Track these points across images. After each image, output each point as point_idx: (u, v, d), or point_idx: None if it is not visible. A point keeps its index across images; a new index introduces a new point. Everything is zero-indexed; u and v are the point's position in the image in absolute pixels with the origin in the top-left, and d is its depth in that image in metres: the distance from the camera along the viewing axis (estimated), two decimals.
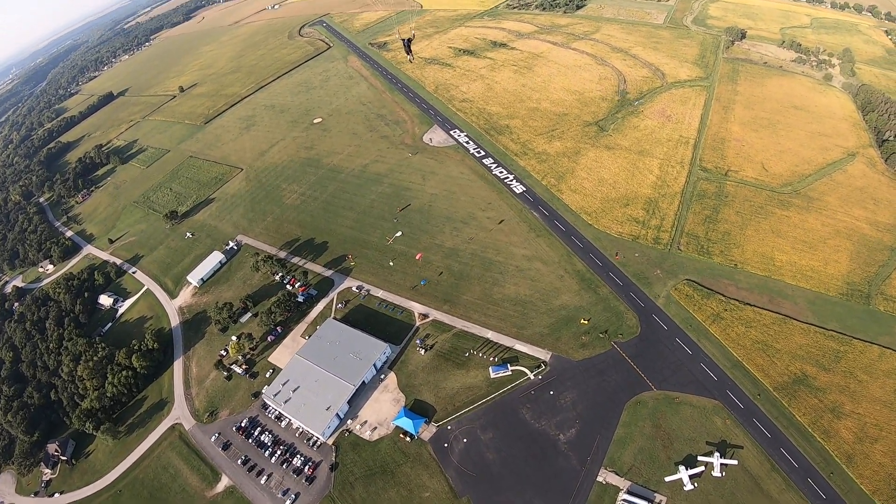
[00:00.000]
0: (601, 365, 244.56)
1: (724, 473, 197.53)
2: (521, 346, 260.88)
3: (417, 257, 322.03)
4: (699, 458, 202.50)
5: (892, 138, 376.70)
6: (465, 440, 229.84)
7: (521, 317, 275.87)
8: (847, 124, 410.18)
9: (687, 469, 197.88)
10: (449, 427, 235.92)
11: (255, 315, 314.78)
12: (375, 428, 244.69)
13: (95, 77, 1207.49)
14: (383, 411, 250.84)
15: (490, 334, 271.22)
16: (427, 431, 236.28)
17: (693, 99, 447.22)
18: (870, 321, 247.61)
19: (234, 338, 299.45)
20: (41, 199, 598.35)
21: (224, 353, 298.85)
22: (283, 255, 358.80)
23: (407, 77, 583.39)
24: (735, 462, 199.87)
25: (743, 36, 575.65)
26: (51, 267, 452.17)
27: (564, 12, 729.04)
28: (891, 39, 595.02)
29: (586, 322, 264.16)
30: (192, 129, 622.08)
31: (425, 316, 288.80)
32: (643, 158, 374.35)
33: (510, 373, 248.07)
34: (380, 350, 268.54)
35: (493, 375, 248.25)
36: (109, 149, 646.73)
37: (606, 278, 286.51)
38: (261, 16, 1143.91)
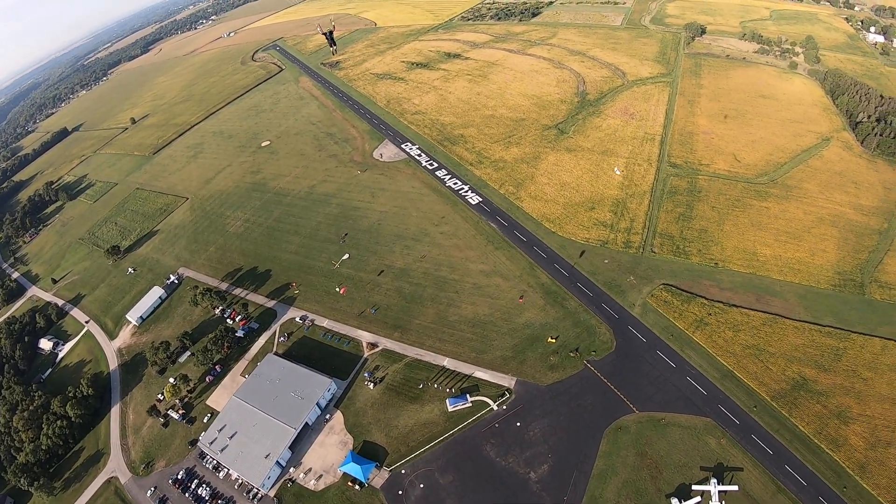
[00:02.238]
0: (573, 388, 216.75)
1: (723, 502, 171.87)
2: (481, 374, 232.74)
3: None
4: (694, 487, 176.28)
5: (865, 119, 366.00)
6: (421, 485, 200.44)
7: (481, 340, 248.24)
8: (818, 109, 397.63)
9: (681, 502, 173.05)
10: (403, 471, 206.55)
11: (193, 354, 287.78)
12: (321, 476, 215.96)
13: (53, 114, 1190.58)
14: (329, 456, 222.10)
15: (446, 362, 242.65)
16: (379, 477, 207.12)
17: (656, 95, 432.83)
18: (867, 311, 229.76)
19: (171, 380, 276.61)
20: None
21: (161, 398, 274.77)
22: (224, 286, 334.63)
23: (358, 94, 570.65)
24: (735, 488, 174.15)
25: (703, 31, 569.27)
26: None
27: (520, 21, 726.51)
28: (851, 26, 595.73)
29: (554, 340, 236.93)
30: (141, 160, 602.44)
31: (374, 345, 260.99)
32: (607, 158, 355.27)
33: (470, 404, 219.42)
34: (324, 387, 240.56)
35: (451, 409, 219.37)
36: (59, 185, 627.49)
37: (574, 290, 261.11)
38: (216, 44, 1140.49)
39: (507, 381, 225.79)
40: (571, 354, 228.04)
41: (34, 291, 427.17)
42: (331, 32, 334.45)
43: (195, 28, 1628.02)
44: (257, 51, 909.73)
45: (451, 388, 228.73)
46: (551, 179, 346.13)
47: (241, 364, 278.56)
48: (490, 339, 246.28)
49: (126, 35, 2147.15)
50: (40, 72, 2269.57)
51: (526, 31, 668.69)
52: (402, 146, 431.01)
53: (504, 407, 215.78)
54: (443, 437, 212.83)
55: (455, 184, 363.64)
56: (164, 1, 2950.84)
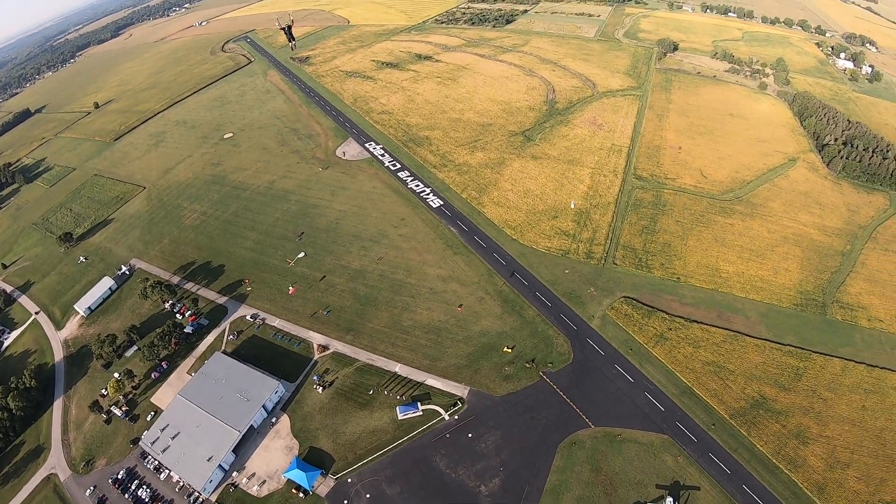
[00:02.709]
0: (528, 400, 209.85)
1: None
2: (433, 381, 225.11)
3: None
4: None
5: (831, 142, 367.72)
6: (367, 496, 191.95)
7: (435, 346, 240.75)
8: (785, 130, 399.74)
9: None
10: (349, 480, 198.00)
11: (140, 349, 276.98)
12: (264, 482, 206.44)
13: (17, 94, 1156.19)
14: (274, 461, 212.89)
15: (398, 368, 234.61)
16: (324, 485, 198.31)
17: (625, 108, 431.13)
18: (828, 332, 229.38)
19: (115, 374, 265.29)
20: None
21: (104, 393, 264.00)
22: (176, 280, 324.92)
23: (325, 90, 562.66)
24: None
25: (675, 48, 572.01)
26: None
27: (494, 27, 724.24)
28: (822, 51, 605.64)
29: (510, 350, 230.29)
30: (101, 146, 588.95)
31: (325, 348, 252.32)
32: (573, 168, 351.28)
33: (421, 413, 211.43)
34: (271, 389, 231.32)
35: (401, 416, 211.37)
36: (17, 167, 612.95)
37: (533, 299, 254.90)
38: (187, 32, 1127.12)
39: (461, 390, 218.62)
40: (527, 365, 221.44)
41: None
42: (289, 27, 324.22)
43: (168, 15, 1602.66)
44: (228, 41, 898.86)
45: (401, 396, 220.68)
46: (515, 186, 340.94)
47: (189, 361, 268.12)
48: (444, 347, 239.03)
49: (98, 18, 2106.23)
50: (8, 51, 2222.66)
51: (499, 37, 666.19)
52: (366, 145, 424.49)
53: (456, 417, 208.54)
54: (392, 445, 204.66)
55: (417, 186, 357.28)
56: None
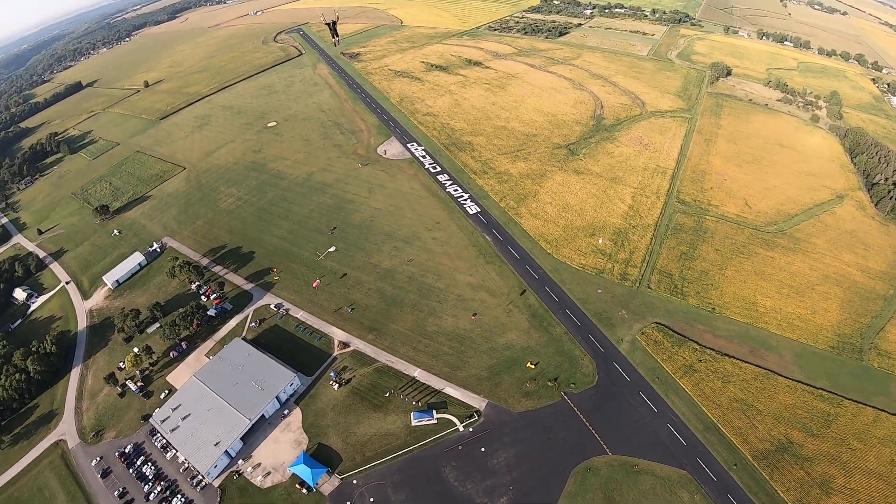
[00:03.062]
0: (547, 419, 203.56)
1: None
2: (452, 390, 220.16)
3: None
4: None
5: (882, 182, 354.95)
6: (371, 500, 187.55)
7: (457, 355, 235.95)
8: (835, 165, 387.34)
9: None
10: (355, 481, 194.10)
11: (162, 326, 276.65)
12: (269, 473, 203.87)
13: (71, 66, 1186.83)
14: (281, 454, 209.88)
15: (417, 373, 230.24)
16: (328, 484, 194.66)
17: (673, 129, 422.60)
18: (863, 379, 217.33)
19: (135, 349, 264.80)
20: None
21: (122, 367, 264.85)
22: (205, 262, 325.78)
23: (373, 88, 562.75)
24: None
25: (728, 73, 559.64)
26: None
27: (546, 38, 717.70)
28: (878, 87, 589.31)
29: (533, 366, 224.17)
30: (147, 124, 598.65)
31: (346, 345, 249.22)
32: (615, 186, 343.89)
33: (435, 421, 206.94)
34: (286, 380, 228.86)
35: (414, 423, 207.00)
36: (63, 138, 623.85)
37: (562, 316, 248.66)
38: (241, 21, 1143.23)
39: (478, 402, 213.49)
40: (549, 384, 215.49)
41: (19, 239, 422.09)
42: (334, 23, 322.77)
43: (225, 2, 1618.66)
44: (280, 32, 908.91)
45: (417, 402, 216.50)
46: (554, 199, 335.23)
47: (208, 344, 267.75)
48: (467, 356, 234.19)
49: (156, 0, 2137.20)
50: (67, 24, 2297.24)
51: (551, 48, 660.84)
52: (408, 145, 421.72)
53: (471, 429, 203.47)
54: (402, 451, 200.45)
55: (455, 190, 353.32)
56: None
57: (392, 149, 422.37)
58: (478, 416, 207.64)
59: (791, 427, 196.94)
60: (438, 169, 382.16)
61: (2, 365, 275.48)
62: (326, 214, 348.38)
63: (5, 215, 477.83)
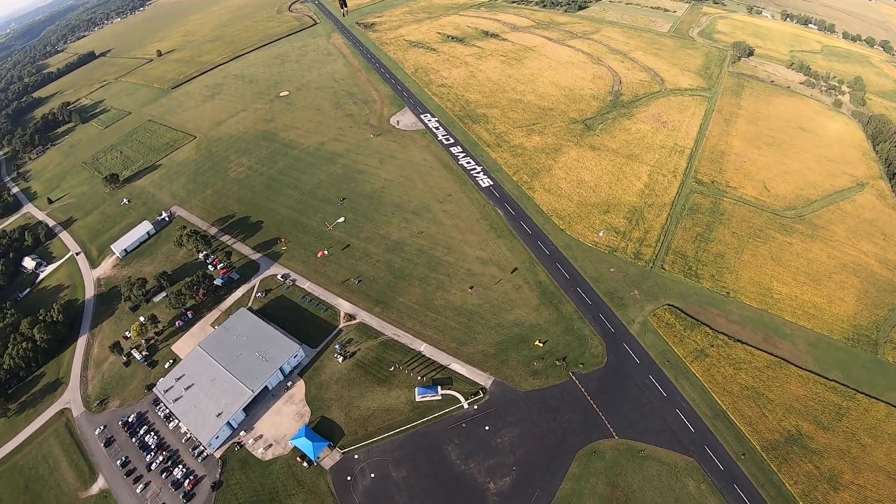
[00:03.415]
0: (553, 399, 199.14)
1: None
2: (458, 366, 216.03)
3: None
4: None
5: None
6: (372, 475, 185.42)
7: (464, 330, 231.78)
8: (856, 152, 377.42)
9: None
10: (356, 456, 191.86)
11: (168, 296, 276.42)
12: (271, 445, 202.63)
13: (84, 36, 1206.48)
14: (283, 426, 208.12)
15: (423, 347, 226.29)
16: (329, 458, 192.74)
17: (692, 108, 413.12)
18: (877, 373, 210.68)
19: (141, 318, 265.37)
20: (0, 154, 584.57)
21: (127, 336, 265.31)
22: (213, 231, 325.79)
23: (387, 58, 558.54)
24: None
25: (750, 53, 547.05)
26: None
27: (565, 11, 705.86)
28: None
29: (541, 345, 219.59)
30: (159, 93, 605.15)
31: (351, 317, 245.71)
32: (631, 163, 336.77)
33: (440, 397, 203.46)
34: (290, 352, 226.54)
35: (418, 398, 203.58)
36: (75, 107, 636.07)
37: (573, 294, 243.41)
38: None
39: (484, 379, 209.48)
40: (557, 363, 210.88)
41: (29, 209, 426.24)
42: None
43: None
44: (295, 2, 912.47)
45: (422, 377, 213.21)
46: (569, 175, 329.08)
47: (214, 314, 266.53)
48: (474, 332, 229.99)
49: None
50: None
51: (569, 22, 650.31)
52: (422, 116, 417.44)
53: (475, 407, 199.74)
54: (404, 427, 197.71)
55: (468, 163, 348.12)
56: None
57: (405, 119, 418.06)
58: (483, 393, 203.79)
59: (802, 418, 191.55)
60: (451, 140, 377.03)
61: (9, 333, 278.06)
62: (336, 184, 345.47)
63: (16, 185, 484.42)
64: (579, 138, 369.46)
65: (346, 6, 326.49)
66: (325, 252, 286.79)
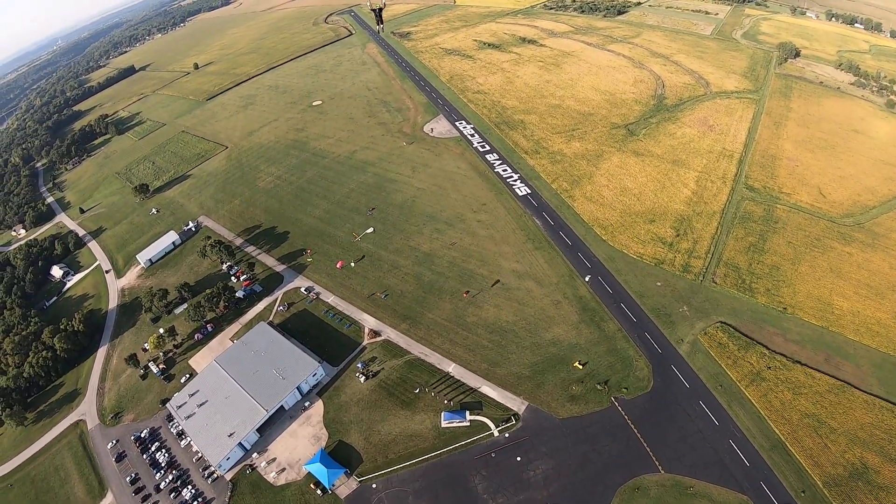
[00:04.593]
0: (593, 428, 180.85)
1: None
2: (489, 389, 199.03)
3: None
4: None
5: None
6: None
7: (497, 349, 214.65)
8: None
9: None
10: (374, 485, 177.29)
11: (188, 308, 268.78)
12: (284, 469, 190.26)
13: (126, 52, 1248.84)
14: (298, 449, 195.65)
15: (452, 368, 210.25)
16: (345, 486, 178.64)
17: (740, 111, 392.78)
18: None
19: (160, 330, 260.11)
20: (38, 164, 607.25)
21: (146, 348, 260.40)
22: (239, 241, 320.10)
23: (422, 66, 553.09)
24: None
25: (797, 54, 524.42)
26: (23, 231, 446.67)
27: (604, 16, 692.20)
28: None
29: (581, 367, 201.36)
30: (194, 104, 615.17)
31: (376, 333, 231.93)
32: (677, 169, 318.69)
33: (468, 423, 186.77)
34: (309, 370, 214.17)
35: (444, 424, 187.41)
36: (113, 119, 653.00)
37: (616, 310, 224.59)
38: (294, 3, 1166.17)
39: (517, 404, 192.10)
40: (598, 387, 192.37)
41: (62, 218, 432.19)
42: (380, 10, 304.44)
43: None
44: (332, 14, 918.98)
45: (450, 401, 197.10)
46: (611, 182, 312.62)
47: (234, 327, 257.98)
48: (508, 351, 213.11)
49: None
50: (126, 12, 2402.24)
51: (608, 27, 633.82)
52: (457, 123, 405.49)
53: (507, 435, 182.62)
54: (428, 455, 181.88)
55: (504, 170, 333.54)
56: None
57: (439, 127, 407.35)
58: (515, 420, 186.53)
59: (867, 450, 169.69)
60: (487, 148, 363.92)
61: (31, 342, 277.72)
62: (366, 194, 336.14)
63: (51, 195, 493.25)
64: (622, 144, 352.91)
65: (381, 22, 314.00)
66: (347, 263, 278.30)
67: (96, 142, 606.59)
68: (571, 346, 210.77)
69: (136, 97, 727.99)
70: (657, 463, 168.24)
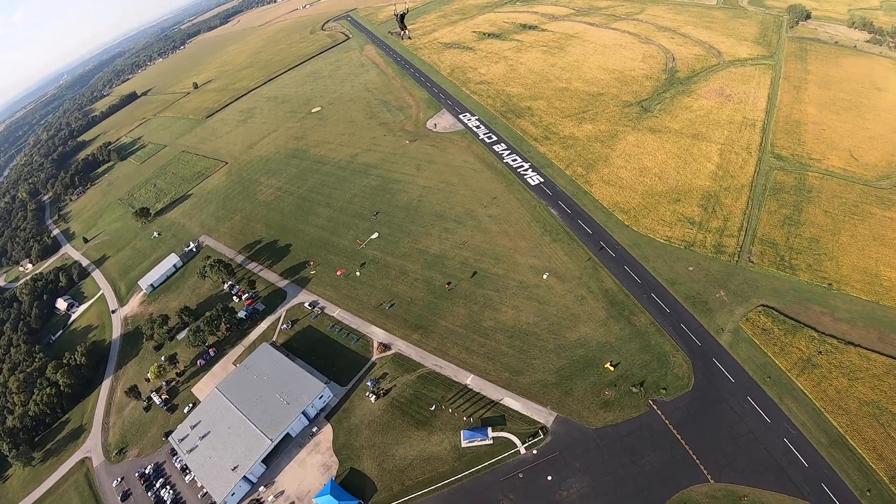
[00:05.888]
0: (631, 437, 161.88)
1: None
2: (512, 401, 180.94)
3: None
4: None
5: None
6: None
7: (519, 355, 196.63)
8: None
9: None
10: None
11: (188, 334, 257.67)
12: (293, 503, 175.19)
13: (128, 79, 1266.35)
14: (307, 480, 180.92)
15: (470, 380, 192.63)
16: None
17: (757, 78, 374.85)
18: None
19: (162, 357, 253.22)
20: (45, 197, 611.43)
21: (148, 378, 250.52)
22: (240, 259, 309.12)
23: (422, 62, 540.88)
24: None
25: (808, 16, 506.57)
26: (30, 266, 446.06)
27: None
28: None
29: (613, 368, 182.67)
30: (194, 123, 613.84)
31: (386, 347, 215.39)
32: (698, 143, 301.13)
33: (490, 441, 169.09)
34: (315, 392, 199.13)
35: (465, 444, 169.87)
36: (115, 146, 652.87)
37: (647, 302, 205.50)
38: (291, 15, 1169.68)
39: (545, 416, 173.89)
40: (634, 390, 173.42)
41: (67, 249, 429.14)
42: (403, 15, 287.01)
43: (275, 1, 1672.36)
44: (328, 21, 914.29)
45: (469, 417, 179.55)
46: (629, 163, 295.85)
47: (237, 350, 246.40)
48: (531, 357, 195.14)
49: (211, 8, 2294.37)
50: (128, 42, 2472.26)
51: (611, 5, 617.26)
52: (461, 116, 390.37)
53: (535, 451, 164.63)
54: (449, 479, 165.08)
55: (514, 160, 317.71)
56: None
57: (443, 122, 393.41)
58: (544, 433, 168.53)
59: None
60: (494, 138, 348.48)
61: (36, 378, 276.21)
62: (370, 198, 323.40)
63: (57, 226, 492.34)
64: (636, 122, 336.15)
65: (405, 28, 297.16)
66: (351, 271, 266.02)
67: (100, 170, 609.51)
68: (600, 345, 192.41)
69: (137, 122, 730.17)
70: (705, 472, 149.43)
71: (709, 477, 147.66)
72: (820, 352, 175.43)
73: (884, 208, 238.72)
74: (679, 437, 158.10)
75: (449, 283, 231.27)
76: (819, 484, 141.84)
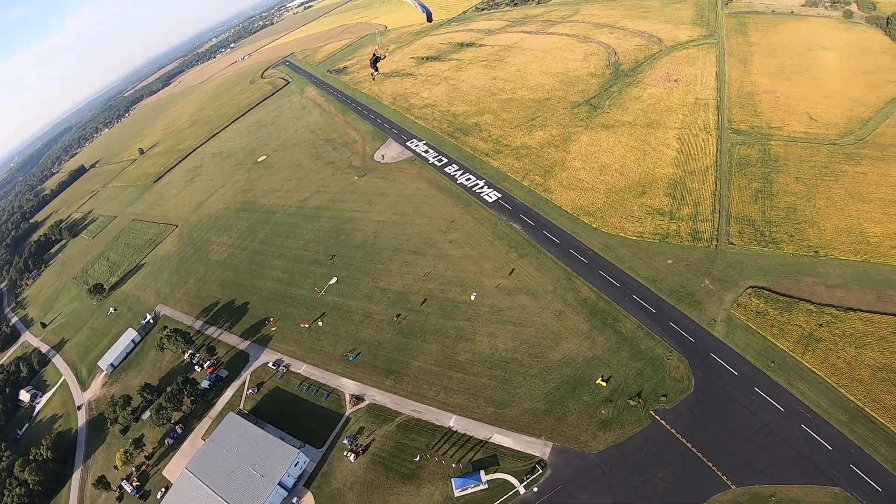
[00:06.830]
0: (637, 455, 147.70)
1: None
2: (501, 437, 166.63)
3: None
4: None
5: None
6: None
7: (501, 386, 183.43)
8: (888, 57, 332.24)
9: None
10: None
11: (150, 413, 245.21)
12: None
13: (76, 153, 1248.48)
14: None
15: (453, 421, 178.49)
16: None
17: (701, 58, 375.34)
18: None
19: (129, 442, 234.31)
20: (2, 285, 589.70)
21: (117, 466, 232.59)
22: (198, 325, 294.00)
23: (363, 95, 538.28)
24: None
25: None
26: None
27: (538, 3, 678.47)
28: None
29: (605, 383, 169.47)
30: (142, 189, 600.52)
31: (359, 399, 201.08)
32: (654, 132, 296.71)
33: (486, 486, 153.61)
34: (289, 460, 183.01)
35: (457, 492, 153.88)
36: (67, 223, 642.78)
37: (630, 305, 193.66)
38: (230, 68, 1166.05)
39: (540, 448, 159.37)
40: (631, 403, 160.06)
41: (27, 336, 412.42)
42: (378, 59, 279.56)
43: (214, 57, 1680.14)
44: (267, 68, 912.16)
45: (458, 462, 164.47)
46: (587, 163, 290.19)
47: (205, 423, 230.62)
48: (514, 386, 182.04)
49: (153, 73, 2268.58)
50: (75, 115, 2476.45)
51: (545, 12, 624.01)
52: (408, 143, 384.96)
53: (535, 489, 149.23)
54: None
55: (468, 180, 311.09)
56: (191, 38, 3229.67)
57: (390, 151, 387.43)
58: (542, 468, 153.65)
59: None
60: (444, 160, 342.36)
61: (5, 479, 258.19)
62: (324, 242, 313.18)
63: (15, 314, 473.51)
64: (588, 121, 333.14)
65: (377, 70, 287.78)
66: (313, 322, 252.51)
67: (53, 249, 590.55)
68: (587, 360, 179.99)
69: (87, 195, 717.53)
70: (725, 478, 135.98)
71: (729, 483, 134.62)
72: (821, 324, 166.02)
73: (854, 164, 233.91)
74: (689, 446, 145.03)
75: (398, 316, 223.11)
76: (847, 466, 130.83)
